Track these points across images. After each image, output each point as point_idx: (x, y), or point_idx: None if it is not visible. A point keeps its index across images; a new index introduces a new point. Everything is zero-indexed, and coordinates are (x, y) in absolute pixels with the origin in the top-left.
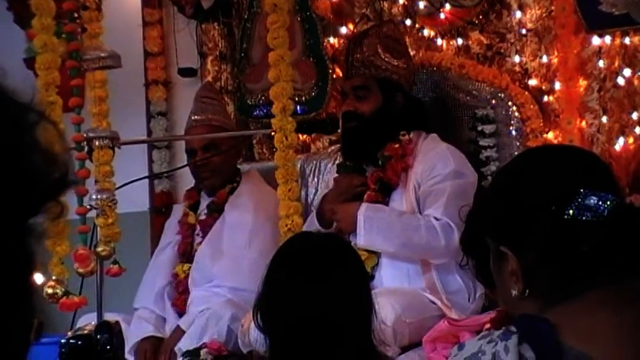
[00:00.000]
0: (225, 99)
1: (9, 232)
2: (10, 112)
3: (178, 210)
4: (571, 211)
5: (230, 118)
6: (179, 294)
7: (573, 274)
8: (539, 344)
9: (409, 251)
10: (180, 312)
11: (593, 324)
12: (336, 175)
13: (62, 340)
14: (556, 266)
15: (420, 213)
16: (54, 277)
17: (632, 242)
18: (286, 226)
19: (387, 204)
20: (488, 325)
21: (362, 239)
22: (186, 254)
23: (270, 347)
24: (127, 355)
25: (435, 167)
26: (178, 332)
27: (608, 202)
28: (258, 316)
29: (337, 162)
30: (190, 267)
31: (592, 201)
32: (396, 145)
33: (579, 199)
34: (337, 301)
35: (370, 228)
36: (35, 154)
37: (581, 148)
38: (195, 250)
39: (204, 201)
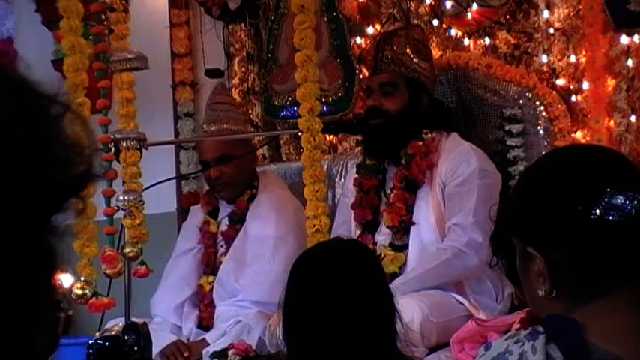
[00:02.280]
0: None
1: (30, 228)
2: (33, 103)
3: (196, 214)
4: (597, 211)
5: (244, 122)
6: (205, 306)
7: (600, 273)
8: (567, 344)
9: (451, 281)
10: (206, 324)
11: (620, 323)
12: (356, 175)
13: (90, 341)
14: (583, 266)
15: (445, 212)
16: (82, 278)
17: None
18: (314, 226)
19: (413, 202)
20: (517, 325)
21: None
22: (210, 265)
23: (289, 351)
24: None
25: (459, 166)
26: (204, 342)
27: (635, 202)
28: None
29: (357, 162)
30: (215, 279)
31: (619, 201)
32: (420, 143)
33: (606, 199)
34: (357, 306)
35: (405, 291)
36: (58, 146)
37: (607, 147)
38: (219, 262)
39: (224, 208)
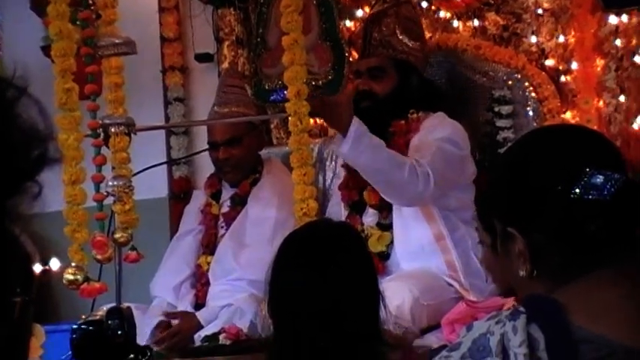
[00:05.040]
0: (245, 84)
1: None
2: None
3: (199, 197)
4: (577, 190)
5: (253, 107)
6: (202, 285)
7: (580, 253)
8: (548, 324)
9: (385, 181)
10: (202, 303)
11: (603, 303)
12: None
13: (73, 326)
14: (563, 246)
15: None
16: (73, 264)
17: (637, 221)
18: (301, 210)
19: None
20: (509, 305)
21: (347, 147)
22: (210, 245)
23: (275, 332)
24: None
25: (432, 132)
26: (194, 319)
27: (615, 181)
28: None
29: None
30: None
31: (598, 180)
32: (402, 122)
33: (585, 178)
34: (341, 289)
35: (359, 140)
36: (12, 130)
37: (586, 127)
38: (219, 243)
39: (227, 191)
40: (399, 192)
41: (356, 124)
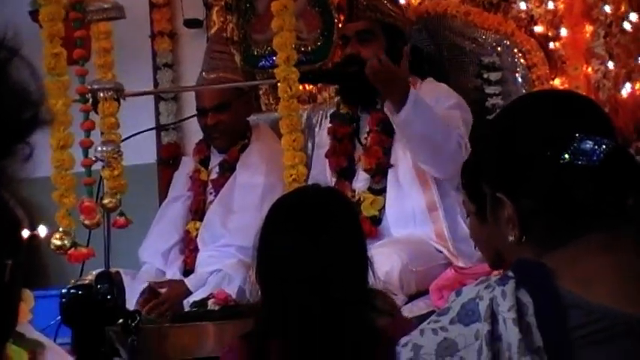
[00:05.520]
0: (232, 50)
1: None
2: None
3: (188, 163)
4: (567, 156)
5: (240, 72)
6: (190, 251)
7: (569, 219)
8: (537, 289)
9: (435, 149)
10: (190, 269)
11: (592, 268)
12: (329, 125)
13: (63, 290)
14: (552, 211)
15: None
16: (61, 229)
17: (626, 187)
18: (291, 176)
19: (390, 145)
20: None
21: (405, 112)
22: (198, 212)
23: (263, 298)
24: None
25: (439, 98)
26: (183, 286)
27: (604, 147)
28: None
29: (331, 112)
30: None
31: (588, 145)
32: None
33: (575, 144)
34: (330, 254)
35: (416, 106)
36: (4, 92)
37: (576, 92)
38: (208, 209)
39: (215, 157)
40: (444, 161)
41: (414, 90)
